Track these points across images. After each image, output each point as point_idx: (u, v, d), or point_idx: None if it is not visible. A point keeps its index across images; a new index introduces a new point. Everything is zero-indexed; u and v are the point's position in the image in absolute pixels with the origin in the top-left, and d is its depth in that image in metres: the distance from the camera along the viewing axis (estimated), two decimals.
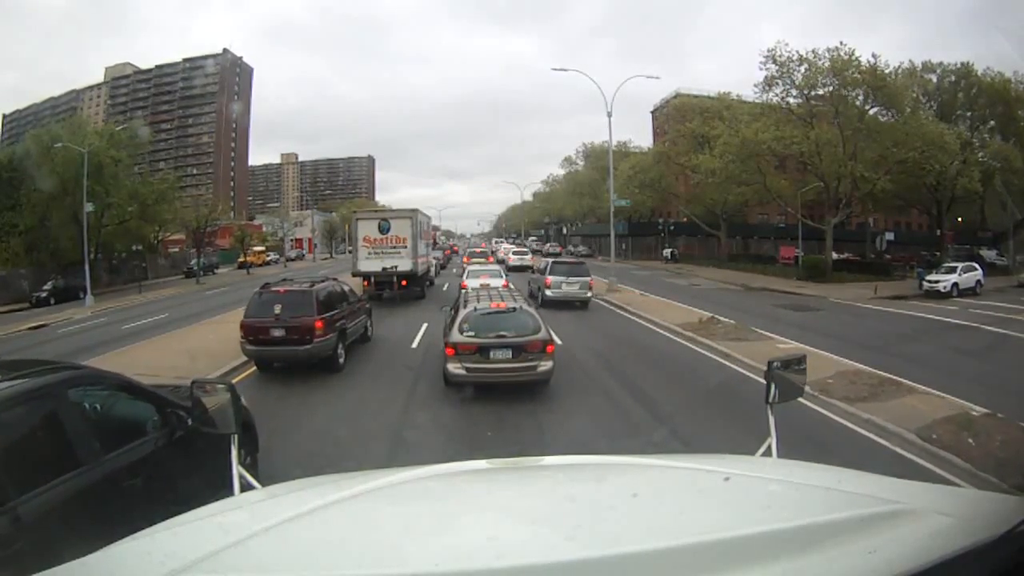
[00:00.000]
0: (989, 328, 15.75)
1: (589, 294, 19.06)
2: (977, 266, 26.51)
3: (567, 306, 18.58)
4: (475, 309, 8.73)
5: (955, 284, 24.11)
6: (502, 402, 8.23)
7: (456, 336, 8.38)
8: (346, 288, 12.07)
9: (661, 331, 14.79)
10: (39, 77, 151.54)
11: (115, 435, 3.73)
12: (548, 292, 18.63)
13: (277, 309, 9.72)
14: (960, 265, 25.79)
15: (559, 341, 9.47)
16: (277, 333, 9.67)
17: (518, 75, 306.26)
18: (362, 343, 12.60)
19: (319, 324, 9.64)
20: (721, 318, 14.70)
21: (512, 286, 15.90)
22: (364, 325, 12.73)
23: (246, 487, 2.13)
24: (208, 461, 4.32)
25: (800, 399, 8.20)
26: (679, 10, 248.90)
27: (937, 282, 24.18)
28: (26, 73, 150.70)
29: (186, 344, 13.26)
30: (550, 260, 21.89)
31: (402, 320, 16.15)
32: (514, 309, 8.80)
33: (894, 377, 9.33)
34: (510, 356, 8.25)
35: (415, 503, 1.74)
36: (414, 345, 12.77)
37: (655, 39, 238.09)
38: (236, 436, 2.30)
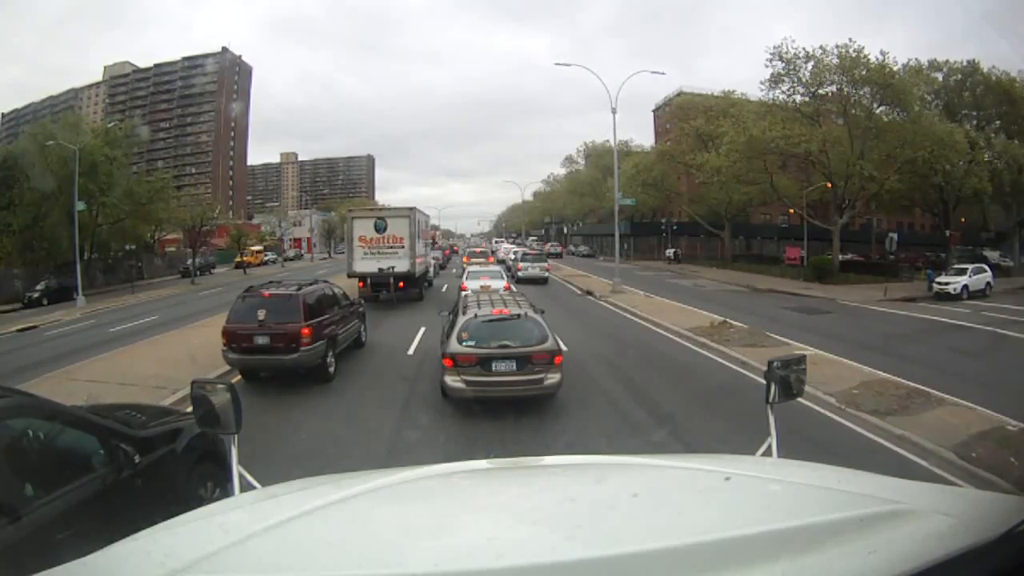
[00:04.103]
0: (1005, 332, 15.28)
1: (546, 274, 28.22)
2: (987, 268, 26.00)
3: (571, 310, 19.07)
4: (475, 316, 7.97)
5: (965, 286, 23.64)
6: (505, 418, 7.62)
7: (455, 346, 7.65)
8: (338, 291, 11.40)
9: (671, 336, 14.18)
10: (40, 73, 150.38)
11: (46, 478, 3.13)
12: (519, 273, 27.46)
13: (261, 314, 9.01)
14: (970, 267, 25.31)
15: (564, 348, 8.83)
16: (261, 340, 8.99)
17: (525, 73, 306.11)
18: (356, 349, 12.01)
19: (306, 331, 8.96)
20: (733, 322, 14.10)
21: (515, 288, 15.34)
22: (357, 330, 12.11)
23: (246, 487, 2.12)
24: (162, 505, 3.74)
25: (828, 413, 7.74)
26: (690, 9, 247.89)
27: (947, 284, 23.74)
28: (27, 69, 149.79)
29: (171, 349, 12.68)
30: (520, 252, 34.39)
31: (398, 324, 15.56)
32: (518, 316, 8.03)
33: (922, 387, 8.84)
34: (514, 368, 7.53)
35: (415, 503, 1.74)
36: (410, 352, 12.16)
37: (665, 38, 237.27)
38: (236, 436, 2.31)
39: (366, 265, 18.92)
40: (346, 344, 11.17)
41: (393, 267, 18.80)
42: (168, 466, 3.95)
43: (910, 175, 31.33)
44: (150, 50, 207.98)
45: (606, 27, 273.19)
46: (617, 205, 27.25)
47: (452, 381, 7.59)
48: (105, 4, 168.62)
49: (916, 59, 33.26)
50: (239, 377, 9.64)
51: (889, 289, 24.83)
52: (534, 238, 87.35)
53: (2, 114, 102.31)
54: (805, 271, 32.07)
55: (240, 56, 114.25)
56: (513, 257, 34.18)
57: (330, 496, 1.68)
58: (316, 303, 9.83)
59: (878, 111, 30.60)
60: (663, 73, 36.10)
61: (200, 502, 4.06)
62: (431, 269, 26.12)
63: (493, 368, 7.53)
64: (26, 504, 2.93)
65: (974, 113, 37.90)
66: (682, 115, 45.32)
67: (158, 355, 12.08)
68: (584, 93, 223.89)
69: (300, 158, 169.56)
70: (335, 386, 9.62)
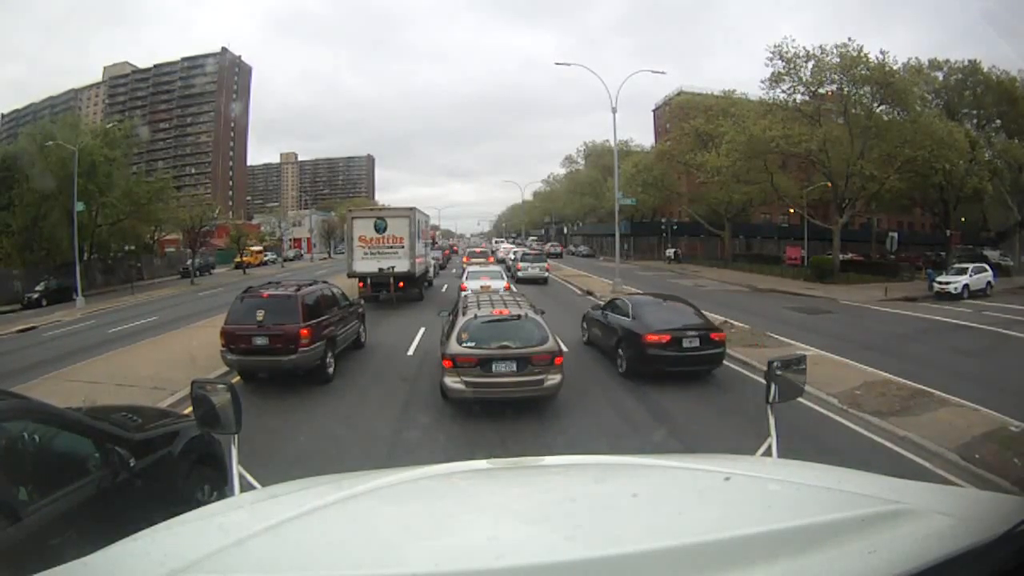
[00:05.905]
0: (1007, 332, 15.24)
1: (546, 274, 28.53)
2: (987, 267, 25.94)
3: (571, 311, 18.85)
4: (475, 317, 7.93)
5: (966, 286, 23.61)
6: (505, 418, 7.57)
7: (454, 347, 7.60)
8: (337, 291, 11.35)
9: None
10: (40, 73, 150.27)
11: (40, 481, 3.09)
12: (519, 273, 27.72)
13: (260, 315, 8.97)
14: (971, 266, 25.24)
15: (565, 348, 8.78)
16: (260, 341, 8.93)
17: (527, 73, 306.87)
18: (355, 350, 11.95)
19: (305, 332, 8.91)
20: (734, 322, 14.06)
21: (515, 288, 15.27)
22: (357, 331, 12.06)
23: (246, 487, 2.11)
24: (158, 509, 3.70)
25: (831, 414, 7.69)
26: (693, 9, 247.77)
27: (948, 283, 23.70)
28: (27, 68, 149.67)
29: (170, 350, 12.64)
30: (520, 251, 34.92)
31: (398, 324, 15.52)
32: (519, 317, 7.99)
33: (924, 387, 8.84)
34: (514, 369, 7.48)
35: (415, 503, 1.74)
36: (410, 352, 12.11)
37: (668, 38, 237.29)
38: (236, 436, 2.31)
39: (366, 265, 18.88)
40: (345, 345, 11.12)
41: (393, 267, 18.77)
42: (165, 469, 3.90)
43: (910, 175, 31.21)
44: (150, 50, 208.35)
45: (611, 26, 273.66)
46: (617, 205, 27.18)
47: (452, 382, 7.54)
48: (105, 4, 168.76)
49: (916, 59, 33.13)
50: (238, 378, 9.59)
51: (890, 289, 24.78)
52: (534, 238, 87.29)
53: (2, 114, 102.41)
54: (805, 271, 32.03)
55: (240, 56, 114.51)
56: (513, 257, 34.36)
57: (330, 496, 1.67)
58: (315, 304, 9.78)
59: (878, 110, 30.48)
60: (663, 72, 35.85)
61: (197, 505, 4.02)
62: (431, 269, 26.06)
63: (493, 369, 7.48)
64: (20, 508, 2.90)
65: (974, 113, 37.81)
66: (682, 115, 45.21)
67: (157, 356, 12.04)
68: (585, 93, 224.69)
69: (300, 158, 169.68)
70: (334, 387, 9.57)
